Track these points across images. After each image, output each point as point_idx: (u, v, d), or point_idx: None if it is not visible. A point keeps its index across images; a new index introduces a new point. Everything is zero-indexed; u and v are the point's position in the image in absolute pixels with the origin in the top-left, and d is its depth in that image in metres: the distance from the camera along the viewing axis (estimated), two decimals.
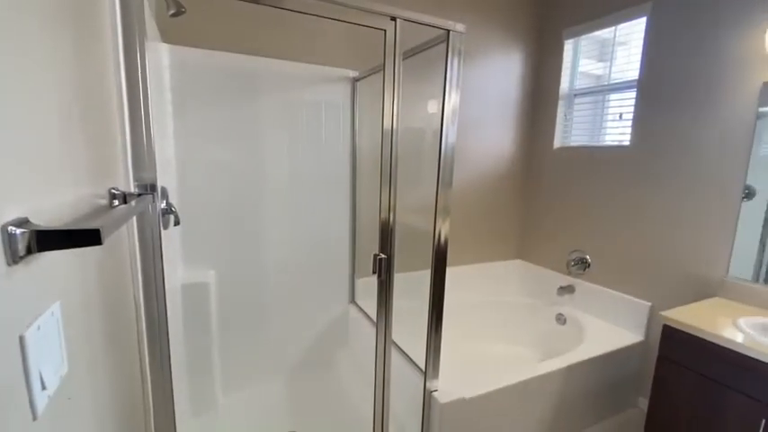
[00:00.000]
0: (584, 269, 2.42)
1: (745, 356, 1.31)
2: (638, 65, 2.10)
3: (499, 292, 2.79)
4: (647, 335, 2.07)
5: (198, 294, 1.78)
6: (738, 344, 1.33)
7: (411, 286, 1.71)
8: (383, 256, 1.33)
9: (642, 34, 2.08)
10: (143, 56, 0.89)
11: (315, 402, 2.10)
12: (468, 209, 2.64)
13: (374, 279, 2.26)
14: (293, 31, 1.97)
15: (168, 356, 0.99)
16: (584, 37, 2.45)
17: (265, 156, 1.97)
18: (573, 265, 2.47)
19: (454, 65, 1.34)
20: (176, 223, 1.44)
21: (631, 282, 2.17)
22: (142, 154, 0.93)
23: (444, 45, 1.34)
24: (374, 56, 2.05)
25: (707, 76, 1.80)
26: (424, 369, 1.55)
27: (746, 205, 1.70)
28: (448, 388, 1.54)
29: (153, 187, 0.94)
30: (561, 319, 2.42)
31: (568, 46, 2.51)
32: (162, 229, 1.03)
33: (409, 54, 1.52)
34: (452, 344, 1.64)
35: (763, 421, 1.26)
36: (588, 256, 2.40)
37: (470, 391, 1.55)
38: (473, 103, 2.52)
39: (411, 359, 1.70)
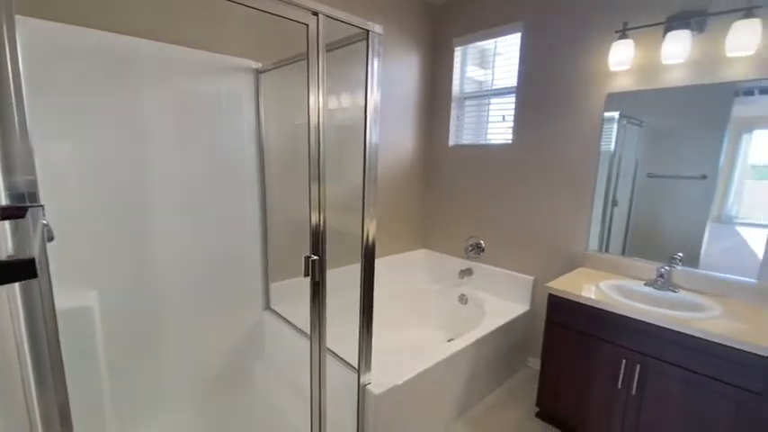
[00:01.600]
0: (480, 253, 2.74)
1: (608, 312, 1.66)
2: (515, 73, 2.45)
3: (408, 280, 2.96)
4: (532, 304, 2.46)
5: (78, 321, 1.46)
6: (602, 302, 1.68)
7: (334, 284, 1.70)
8: (315, 257, 1.29)
9: (518, 47, 2.42)
10: (11, 25, 0.69)
11: (236, 424, 1.94)
12: (377, 204, 2.73)
13: (293, 282, 2.21)
14: (186, 15, 1.74)
15: (68, 412, 0.80)
16: (470, 46, 2.73)
17: (155, 153, 1.71)
18: (470, 250, 2.77)
19: (374, 65, 1.36)
20: (50, 239, 1.15)
21: (518, 260, 2.53)
22: (12, 152, 0.73)
23: (359, 44, 1.36)
24: (279, 48, 1.95)
25: (568, 86, 2.20)
26: (355, 365, 1.57)
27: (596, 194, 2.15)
28: (379, 379, 1.59)
29: (34, 197, 0.75)
30: (464, 299, 2.69)
31: (458, 53, 2.77)
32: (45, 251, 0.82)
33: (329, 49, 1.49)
34: (374, 333, 1.71)
35: (624, 361, 1.63)
36: (482, 241, 2.72)
37: (400, 378, 1.63)
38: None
39: (340, 357, 1.69)
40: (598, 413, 1.74)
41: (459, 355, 1.92)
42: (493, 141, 2.66)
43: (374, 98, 1.37)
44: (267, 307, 2.22)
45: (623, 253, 2.08)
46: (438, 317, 2.76)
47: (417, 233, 3.09)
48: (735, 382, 1.37)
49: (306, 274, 1.29)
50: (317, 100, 1.24)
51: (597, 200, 2.15)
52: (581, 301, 1.75)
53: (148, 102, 1.65)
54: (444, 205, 2.95)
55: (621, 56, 1.90)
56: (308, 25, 1.17)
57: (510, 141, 2.51)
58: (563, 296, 1.81)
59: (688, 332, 1.45)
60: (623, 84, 1.99)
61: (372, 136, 1.39)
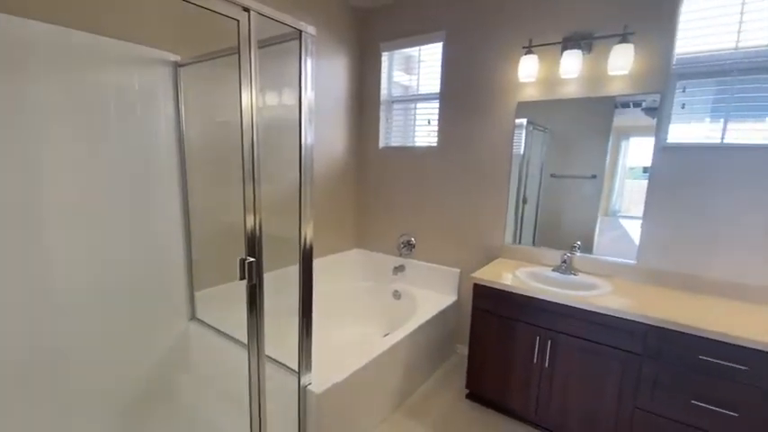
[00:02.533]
0: (411, 250, 2.87)
1: (523, 296, 1.87)
2: (438, 80, 2.61)
3: (344, 280, 2.98)
4: (459, 294, 2.65)
5: None
6: (518, 288, 1.89)
7: (270, 287, 1.66)
8: (251, 259, 1.26)
9: (440, 56, 2.59)
10: None
11: None
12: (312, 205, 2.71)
13: (221, 288, 2.09)
14: None
15: None
16: (396, 52, 2.85)
17: (51, 155, 1.50)
18: (402, 248, 2.89)
19: (308, 65, 1.37)
20: None
21: (446, 255, 2.71)
22: None
23: (291, 43, 1.36)
24: (202, 41, 1.84)
25: (485, 94, 2.41)
26: (294, 368, 1.55)
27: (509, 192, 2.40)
28: (320, 378, 1.59)
29: None
30: (397, 294, 2.80)
31: (385, 58, 2.87)
32: None
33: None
34: (313, 334, 1.71)
35: (537, 338, 1.85)
36: (413, 239, 2.85)
37: (340, 375, 1.65)
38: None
39: (279, 361, 1.66)
40: (518, 387, 1.95)
41: (394, 348, 1.99)
42: (420, 144, 2.81)
43: (308, 98, 1.38)
44: (193, 317, 2.08)
45: (534, 244, 2.35)
46: (374, 313, 2.82)
47: (351, 233, 3.12)
48: (622, 347, 1.64)
49: (242, 278, 1.25)
50: (249, 98, 1.21)
51: (511, 198, 2.40)
52: (501, 288, 1.94)
53: (45, 94, 1.45)
54: (377, 205, 3.03)
55: (528, 69, 2.15)
56: (238, 21, 1.14)
57: (435, 144, 2.67)
58: (486, 285, 1.99)
59: (586, 308, 1.70)
60: (530, 94, 2.25)
61: (308, 136, 1.40)
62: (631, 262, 2.03)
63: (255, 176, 1.26)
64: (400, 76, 2.93)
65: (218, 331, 1.95)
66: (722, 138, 1.79)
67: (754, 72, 1.71)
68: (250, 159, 1.24)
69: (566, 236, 2.22)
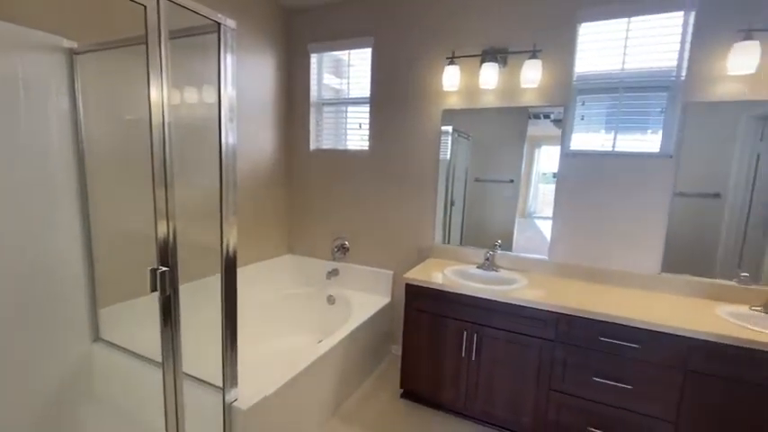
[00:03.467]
0: (345, 253, 2.85)
1: (452, 293, 1.96)
2: (368, 85, 2.64)
3: (276, 287, 2.86)
4: (393, 296, 2.69)
5: None
6: (446, 285, 1.97)
7: (188, 299, 1.53)
8: (164, 268, 1.15)
9: (369, 61, 2.62)
10: None
11: None
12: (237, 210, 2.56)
13: (131, 303, 1.87)
14: None
15: None
16: (326, 54, 2.83)
17: None
18: (336, 251, 2.86)
19: (228, 60, 1.30)
20: None
21: (379, 257, 2.73)
22: None
23: (210, 36, 1.28)
24: (105, 27, 1.65)
25: (413, 101, 2.49)
26: (218, 384, 1.45)
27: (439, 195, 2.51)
28: (248, 393, 1.50)
29: None
30: (331, 299, 2.76)
31: (314, 59, 2.83)
32: None
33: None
34: (241, 347, 1.58)
35: (465, 332, 1.94)
36: (347, 242, 2.84)
37: (269, 388, 1.57)
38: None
39: (200, 379, 1.53)
40: (449, 381, 2.03)
41: (328, 354, 1.96)
42: (352, 147, 2.81)
43: (229, 95, 1.30)
44: (97, 338, 1.84)
45: (461, 243, 2.48)
46: (308, 320, 2.75)
47: (282, 238, 3.01)
48: (537, 335, 1.80)
49: (153, 289, 1.13)
50: (160, 93, 1.11)
51: (439, 200, 2.51)
52: (431, 287, 2.01)
53: None
54: (309, 209, 2.97)
55: (451, 79, 2.26)
56: (145, 6, 1.04)
57: (367, 148, 2.69)
58: (417, 284, 2.04)
59: (506, 301, 1.83)
60: (454, 102, 2.38)
61: (229, 136, 1.32)
62: (544, 257, 2.24)
63: (168, 179, 1.15)
64: (331, 79, 2.91)
65: (128, 351, 1.75)
66: (614, 146, 2.06)
67: (637, 90, 1.99)
68: (161, 161, 1.13)
69: (489, 235, 2.38)
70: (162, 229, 1.15)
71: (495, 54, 2.20)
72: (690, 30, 1.84)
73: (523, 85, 2.14)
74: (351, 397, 2.24)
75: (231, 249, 1.37)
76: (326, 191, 2.87)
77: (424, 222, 2.56)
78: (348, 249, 2.84)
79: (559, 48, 2.08)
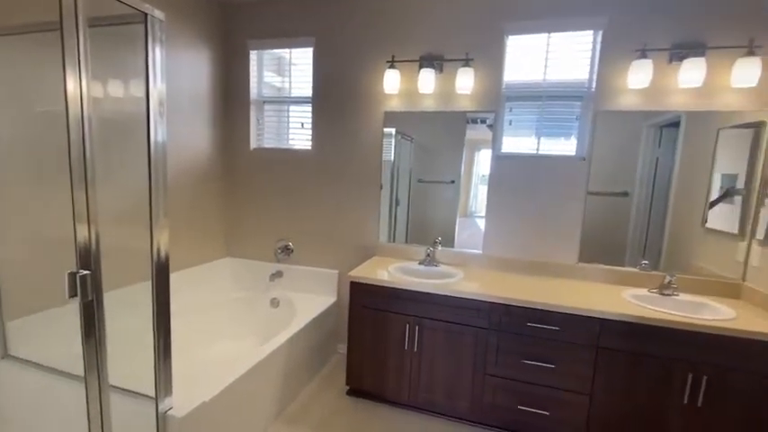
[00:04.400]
0: (289, 254, 2.81)
1: (394, 288, 2.03)
2: (311, 84, 2.64)
3: (215, 291, 2.74)
4: (338, 295, 2.70)
5: None
6: (389, 281, 2.04)
7: (116, 305, 1.44)
8: (85, 272, 1.07)
9: (311, 60, 2.62)
10: None
11: None
12: (169, 212, 2.42)
13: (46, 314, 1.69)
14: None
15: None
16: (266, 52, 2.77)
17: None
18: (280, 253, 2.81)
19: (156, 53, 1.24)
20: None
21: (324, 257, 2.74)
22: None
23: (137, 27, 1.22)
24: (11, 10, 1.49)
25: (355, 102, 2.53)
26: (151, 394, 1.37)
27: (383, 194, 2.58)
28: (184, 401, 1.44)
29: None
30: (275, 302, 2.70)
31: (253, 56, 2.76)
32: None
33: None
34: (179, 354, 1.49)
35: (407, 325, 2.02)
36: (291, 243, 2.80)
37: (208, 394, 1.52)
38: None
39: (128, 390, 1.44)
40: (393, 374, 2.09)
41: (272, 357, 1.93)
42: (295, 146, 2.78)
43: (158, 90, 1.24)
44: (5, 355, 1.64)
45: (406, 241, 2.56)
46: (251, 324, 2.67)
47: (221, 241, 2.90)
48: (473, 324, 1.92)
49: (71, 295, 1.05)
50: (78, 85, 1.03)
51: (384, 200, 2.57)
52: (376, 283, 2.06)
53: None
54: (250, 210, 2.88)
55: (392, 82, 2.34)
56: None
57: (310, 148, 2.68)
58: (362, 281, 2.08)
59: (444, 293, 1.94)
60: (395, 105, 2.46)
61: (158, 133, 1.26)
62: (479, 252, 2.39)
63: (89, 178, 1.07)
64: (272, 77, 2.86)
65: (42, 367, 1.59)
66: (537, 149, 2.26)
67: (557, 99, 2.20)
68: (80, 158, 1.06)
69: (432, 233, 2.48)
70: (82, 233, 1.08)
71: (432, 60, 2.31)
72: (598, 47, 2.09)
73: (458, 91, 2.27)
74: (296, 399, 2.22)
75: (162, 253, 1.31)
76: (269, 191, 2.81)
77: (369, 221, 2.61)
78: (292, 251, 2.81)
79: (490, 57, 2.24)
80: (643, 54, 1.95)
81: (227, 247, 2.95)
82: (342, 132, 2.59)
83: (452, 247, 2.45)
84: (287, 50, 2.73)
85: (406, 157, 2.54)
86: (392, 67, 2.33)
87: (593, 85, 2.11)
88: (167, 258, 1.33)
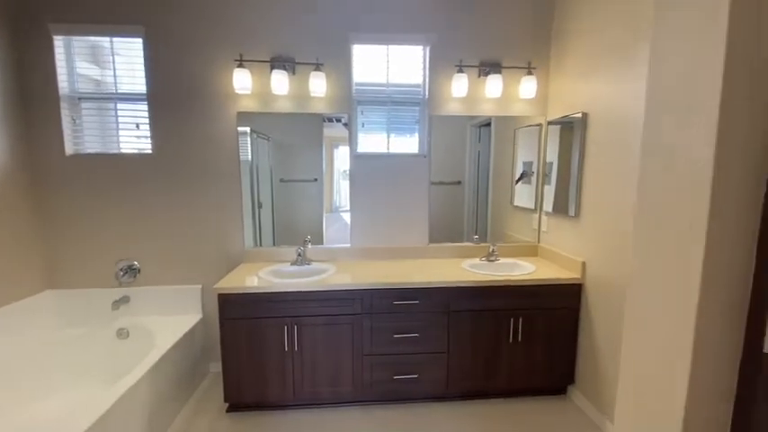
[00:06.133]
0: (135, 276, 2.45)
1: (267, 293, 2.01)
2: (143, 79, 2.32)
3: (35, 333, 2.19)
4: (204, 311, 2.50)
5: None
6: (261, 287, 2.01)
7: None
8: None
9: (141, 52, 2.30)
10: None
11: None
12: None
13: None
14: None
15: None
16: (76, 38, 2.30)
17: None
18: (122, 275, 2.42)
19: None
20: None
21: (182, 273, 2.48)
22: None
23: None
24: None
25: (204, 100, 2.35)
26: None
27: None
28: None
29: None
30: (123, 333, 2.33)
31: (59, 43, 2.27)
32: None
33: None
34: None
35: (285, 327, 2.04)
36: (137, 262, 2.44)
37: None
38: None
39: None
40: (276, 379, 2.09)
41: (129, 396, 1.68)
42: (128, 150, 2.41)
43: None
44: None
45: (274, 244, 2.53)
46: (93, 364, 2.23)
47: (37, 271, 2.31)
48: (348, 312, 2.07)
49: None
50: None
51: (246, 203, 2.48)
52: (246, 292, 2.00)
53: None
54: (76, 230, 2.38)
55: (242, 82, 2.26)
56: None
57: (150, 151, 2.37)
58: (231, 292, 1.99)
59: (318, 289, 2.03)
60: (248, 105, 2.38)
61: None
62: (347, 245, 2.56)
63: None
64: (89, 69, 2.40)
65: None
66: (388, 148, 2.53)
67: (399, 104, 2.50)
68: None
69: (301, 233, 2.52)
70: None
71: (283, 62, 2.32)
72: (427, 61, 2.46)
73: (312, 94, 2.35)
74: (169, 429, 1.99)
75: None
76: (99, 205, 2.37)
77: (232, 228, 2.48)
78: (139, 270, 2.45)
79: (339, 63, 2.39)
80: (460, 69, 2.39)
81: (47, 279, 2.38)
82: (190, 134, 2.38)
83: (322, 243, 2.55)
84: (106, 39, 2.33)
85: (265, 156, 2.50)
86: (241, 66, 2.25)
87: (427, 92, 2.48)
88: None
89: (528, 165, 2.60)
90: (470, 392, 2.24)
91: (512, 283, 2.12)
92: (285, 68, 2.30)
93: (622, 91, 1.86)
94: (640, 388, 0.99)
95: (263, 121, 2.43)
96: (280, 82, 2.27)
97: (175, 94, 2.34)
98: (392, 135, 2.54)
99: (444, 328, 2.13)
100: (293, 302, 2.04)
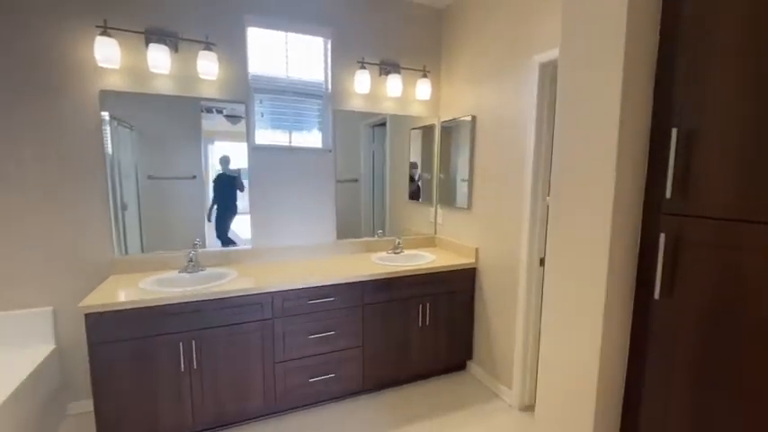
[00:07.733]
0: None
1: (153, 307, 1.69)
2: None
3: None
4: (59, 338, 1.98)
5: None
6: (144, 300, 1.68)
7: None
8: None
9: None
10: None
11: None
12: None
13: None
14: None
15: None
16: None
17: None
18: None
19: None
20: None
21: (21, 294, 1.91)
22: None
23: None
24: None
25: (52, 73, 1.85)
26: None
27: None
28: None
29: None
30: None
31: None
32: None
33: None
34: None
35: (181, 344, 1.74)
36: None
37: None
38: None
39: None
40: (170, 405, 1.77)
41: None
42: None
43: None
44: None
45: (143, 251, 2.12)
46: None
47: None
48: (256, 318, 1.89)
49: None
50: None
51: (109, 205, 2.04)
52: (127, 308, 1.65)
53: None
54: None
55: (107, 53, 1.85)
56: None
57: None
58: (104, 310, 1.62)
59: (218, 297, 1.80)
60: (116, 83, 1.97)
61: None
62: (249, 247, 2.34)
63: None
64: None
65: None
66: (290, 141, 2.40)
67: (300, 95, 2.39)
68: None
69: (184, 235, 2.19)
70: None
71: (163, 36, 1.99)
72: (329, 54, 2.41)
73: (202, 76, 2.08)
74: None
75: None
76: None
77: (95, 234, 2.01)
78: None
79: (233, 45, 2.17)
80: (363, 66, 2.41)
81: None
82: (26, 119, 1.85)
83: (204, 247, 2.24)
84: None
85: (128, 149, 2.07)
86: (105, 34, 1.84)
87: (330, 86, 2.44)
88: None
89: (426, 163, 2.78)
90: (385, 382, 2.29)
91: (419, 272, 2.24)
92: (166, 43, 1.97)
93: (506, 99, 2.14)
94: (560, 352, 1.16)
95: (131, 106, 2.01)
96: (159, 58, 1.94)
97: (12, 67, 1.78)
98: (294, 128, 2.41)
99: (360, 322, 2.13)
100: (188, 314, 1.76)
